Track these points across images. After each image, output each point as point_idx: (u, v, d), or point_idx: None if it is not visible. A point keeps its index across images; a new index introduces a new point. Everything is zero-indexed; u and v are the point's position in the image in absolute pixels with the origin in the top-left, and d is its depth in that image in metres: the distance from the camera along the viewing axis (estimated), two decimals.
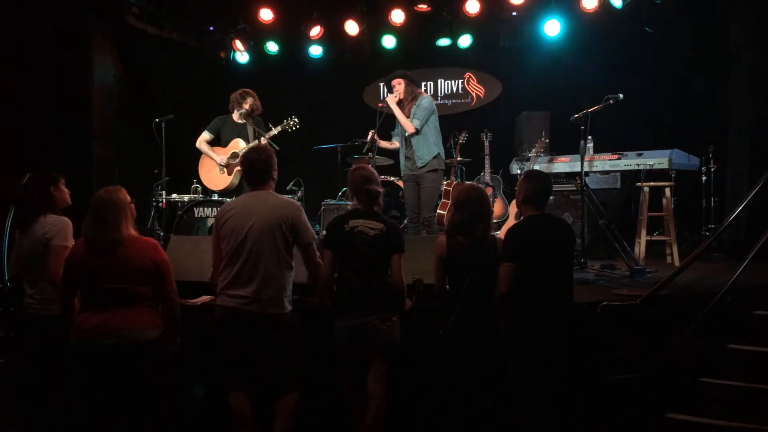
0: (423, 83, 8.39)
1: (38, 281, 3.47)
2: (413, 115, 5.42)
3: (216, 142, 5.92)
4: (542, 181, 3.50)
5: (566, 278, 3.38)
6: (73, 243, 3.38)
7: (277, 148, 5.68)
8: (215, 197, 5.89)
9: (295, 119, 5.79)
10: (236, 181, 5.75)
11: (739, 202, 4.35)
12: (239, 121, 5.81)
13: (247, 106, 5.74)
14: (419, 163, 5.43)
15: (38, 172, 3.62)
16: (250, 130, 5.78)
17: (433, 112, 5.50)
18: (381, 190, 3.45)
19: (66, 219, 3.52)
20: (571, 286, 3.42)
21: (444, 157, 5.59)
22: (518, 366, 3.25)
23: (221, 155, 5.82)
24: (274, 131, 5.73)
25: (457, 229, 3.38)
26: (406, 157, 5.55)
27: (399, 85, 5.51)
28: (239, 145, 5.74)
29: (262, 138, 5.66)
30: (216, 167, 5.84)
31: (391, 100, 5.50)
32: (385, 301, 3.32)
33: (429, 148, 5.43)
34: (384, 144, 5.70)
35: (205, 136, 5.89)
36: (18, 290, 3.62)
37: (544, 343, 3.22)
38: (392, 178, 6.08)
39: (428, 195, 5.46)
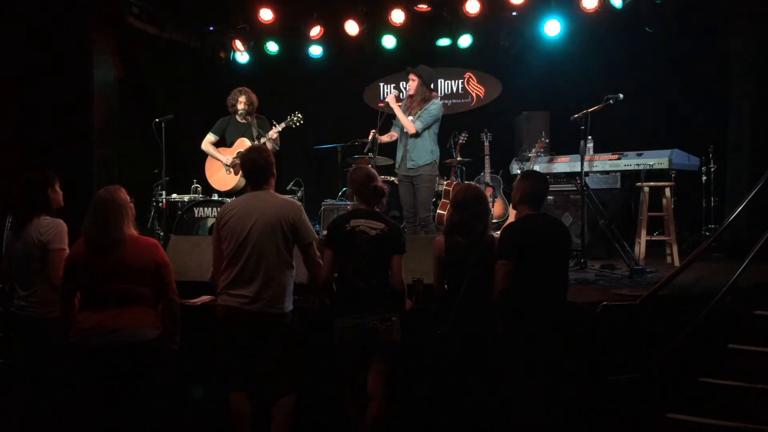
0: None
1: (33, 283, 3.46)
2: (418, 117, 5.41)
3: (221, 143, 5.93)
4: (539, 181, 3.51)
5: (562, 277, 3.39)
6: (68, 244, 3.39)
7: (278, 148, 5.73)
8: (215, 197, 5.89)
9: (299, 115, 5.78)
10: (243, 182, 5.74)
11: (739, 202, 4.35)
12: (242, 121, 5.81)
13: (242, 105, 5.74)
14: (409, 164, 5.45)
15: (34, 173, 3.61)
16: (254, 128, 5.78)
17: (438, 120, 5.49)
18: (387, 187, 3.46)
19: (60, 221, 3.52)
20: (567, 285, 3.43)
21: (438, 162, 5.60)
22: (516, 365, 3.25)
23: (227, 155, 5.83)
24: (279, 128, 5.73)
25: (455, 229, 3.38)
26: (403, 156, 5.55)
27: (413, 81, 5.50)
28: (245, 145, 5.73)
29: (270, 135, 5.65)
30: (223, 168, 5.86)
31: (392, 100, 5.50)
32: (385, 301, 3.32)
33: (424, 154, 5.43)
34: (384, 139, 5.69)
35: (210, 137, 5.90)
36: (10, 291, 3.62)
37: (541, 342, 3.23)
38: (392, 178, 6.09)
39: (424, 195, 5.47)
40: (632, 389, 3.58)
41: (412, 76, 5.51)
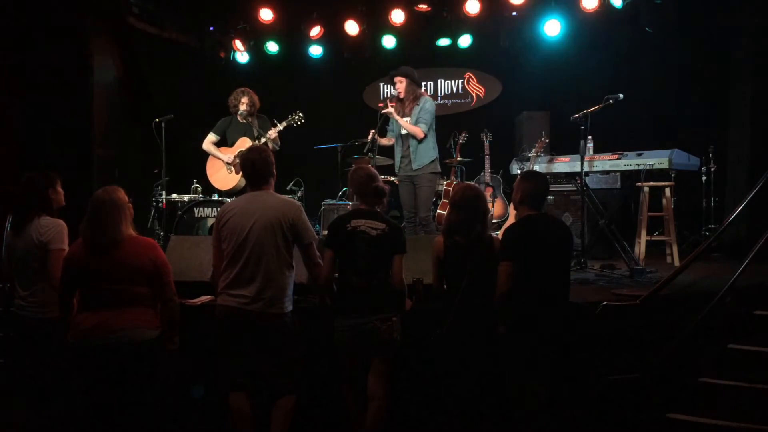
0: (423, 83, 8.36)
1: (33, 283, 3.46)
2: (418, 120, 5.41)
3: (222, 142, 5.93)
4: (539, 181, 3.51)
5: (563, 277, 3.39)
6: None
7: (278, 148, 5.73)
8: (215, 197, 5.90)
9: (300, 113, 5.80)
10: (244, 181, 5.73)
11: (739, 202, 4.35)
12: (243, 121, 5.82)
13: (244, 107, 5.74)
14: (415, 165, 5.44)
15: (36, 173, 3.61)
16: (254, 128, 5.79)
17: (434, 116, 5.50)
18: (388, 187, 3.47)
19: (61, 221, 3.52)
20: (568, 285, 3.43)
21: (439, 159, 5.60)
22: (517, 365, 3.25)
23: (228, 155, 5.84)
24: (280, 127, 5.75)
25: (454, 229, 3.38)
26: (403, 156, 5.55)
27: (400, 83, 5.50)
28: (246, 144, 5.73)
29: (269, 134, 5.66)
30: (224, 168, 5.87)
31: (394, 111, 5.49)
32: (385, 301, 3.32)
33: (428, 152, 5.43)
34: (383, 141, 5.70)
35: (211, 137, 5.91)
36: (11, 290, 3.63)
37: (542, 342, 3.23)
38: (392, 178, 6.09)
39: (424, 194, 5.46)
40: (632, 389, 3.58)
41: (398, 79, 5.52)
